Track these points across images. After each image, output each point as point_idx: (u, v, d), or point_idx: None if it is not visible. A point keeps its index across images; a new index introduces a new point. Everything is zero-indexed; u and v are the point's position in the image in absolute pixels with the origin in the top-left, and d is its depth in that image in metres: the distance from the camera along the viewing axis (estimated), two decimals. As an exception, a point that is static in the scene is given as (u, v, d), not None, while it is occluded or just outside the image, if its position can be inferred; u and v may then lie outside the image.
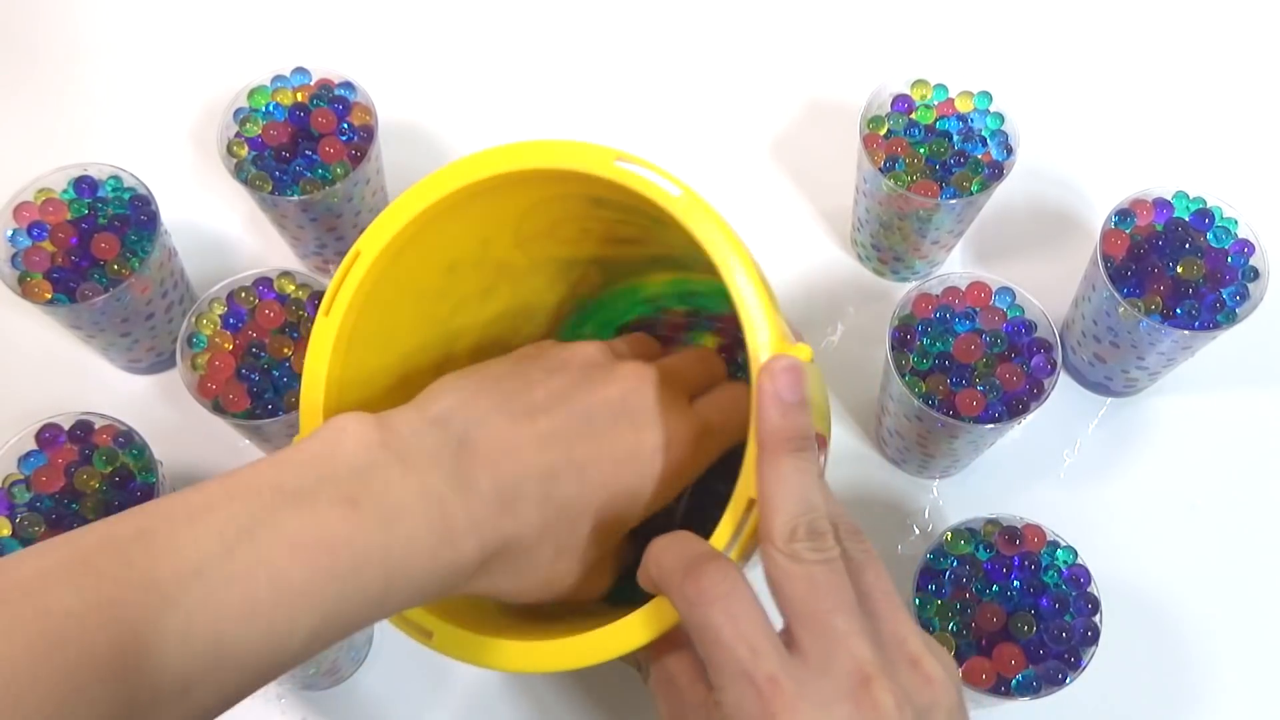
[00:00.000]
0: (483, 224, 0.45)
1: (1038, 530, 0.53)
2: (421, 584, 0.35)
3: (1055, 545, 0.53)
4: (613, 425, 0.40)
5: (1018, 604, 0.51)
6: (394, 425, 0.37)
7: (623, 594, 0.50)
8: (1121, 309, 0.56)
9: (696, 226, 0.39)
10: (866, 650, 0.33)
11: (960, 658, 0.50)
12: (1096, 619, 0.51)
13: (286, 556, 0.32)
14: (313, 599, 0.32)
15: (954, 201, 0.59)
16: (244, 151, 0.61)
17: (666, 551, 0.36)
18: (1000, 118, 0.62)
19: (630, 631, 0.38)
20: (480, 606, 0.44)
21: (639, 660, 0.39)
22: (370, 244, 0.42)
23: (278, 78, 0.64)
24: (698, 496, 0.48)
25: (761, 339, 0.38)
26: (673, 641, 0.38)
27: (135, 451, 0.54)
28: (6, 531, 0.52)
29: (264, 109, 0.62)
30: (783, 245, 0.69)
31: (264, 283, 0.58)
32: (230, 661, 0.31)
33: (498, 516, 0.37)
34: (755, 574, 0.36)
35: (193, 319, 0.56)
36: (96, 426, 0.55)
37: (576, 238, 0.49)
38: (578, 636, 0.38)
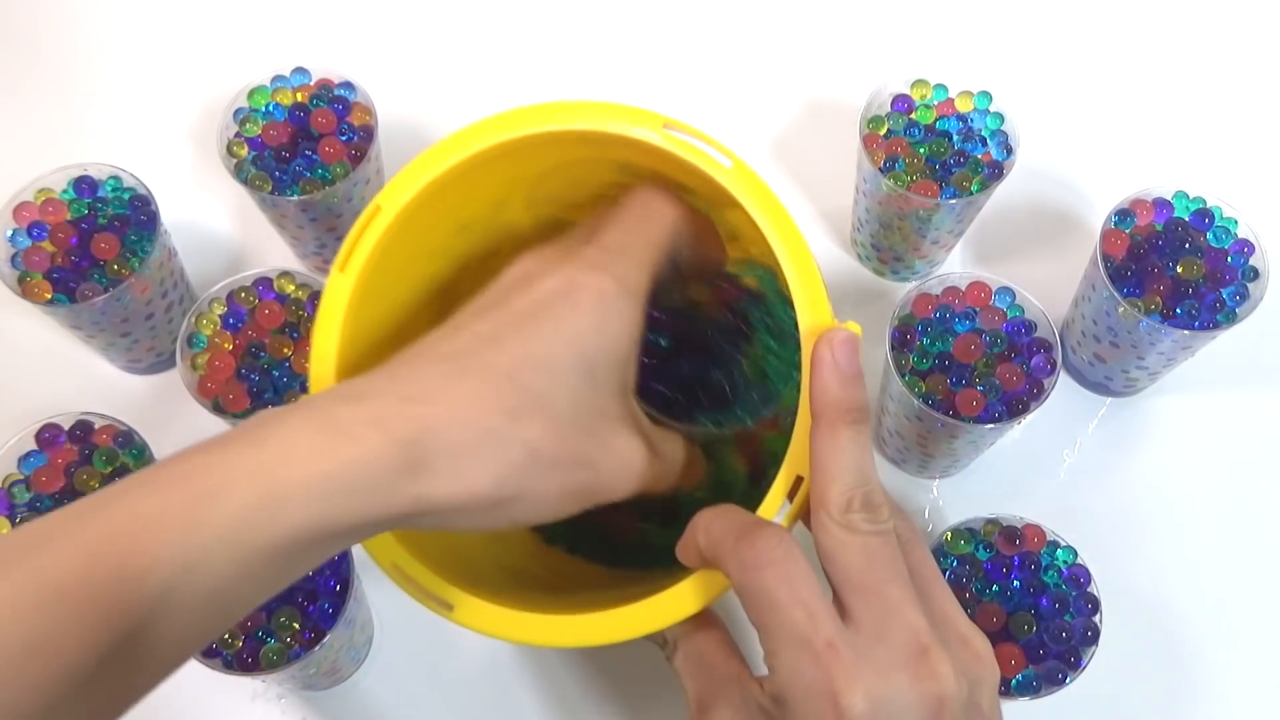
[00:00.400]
0: (502, 184, 0.44)
1: (1038, 530, 0.53)
2: (321, 489, 0.31)
3: (1055, 545, 0.53)
4: (516, 293, 0.38)
5: (1018, 604, 0.51)
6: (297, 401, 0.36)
7: (620, 559, 0.49)
8: (1121, 309, 0.56)
9: (746, 198, 0.39)
10: (922, 621, 0.33)
11: (960, 658, 0.50)
12: (1096, 619, 0.51)
13: (142, 496, 0.30)
14: (168, 527, 0.30)
15: (954, 201, 0.59)
16: (244, 151, 0.61)
17: (716, 520, 0.36)
18: (1000, 118, 0.62)
19: (679, 601, 0.38)
20: (503, 573, 0.43)
21: (665, 638, 0.39)
22: (391, 199, 0.40)
23: (278, 78, 0.64)
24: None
25: (814, 314, 0.38)
26: (702, 621, 0.38)
27: (135, 451, 0.54)
28: (6, 531, 0.52)
29: (264, 109, 0.62)
30: (783, 245, 0.69)
31: (264, 283, 0.58)
32: (85, 606, 0.29)
33: (404, 407, 0.33)
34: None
35: (193, 319, 0.56)
36: (96, 426, 0.55)
37: (587, 204, 0.47)
38: (623, 608, 0.38)
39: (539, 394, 0.35)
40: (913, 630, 0.33)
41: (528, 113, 0.41)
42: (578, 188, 0.46)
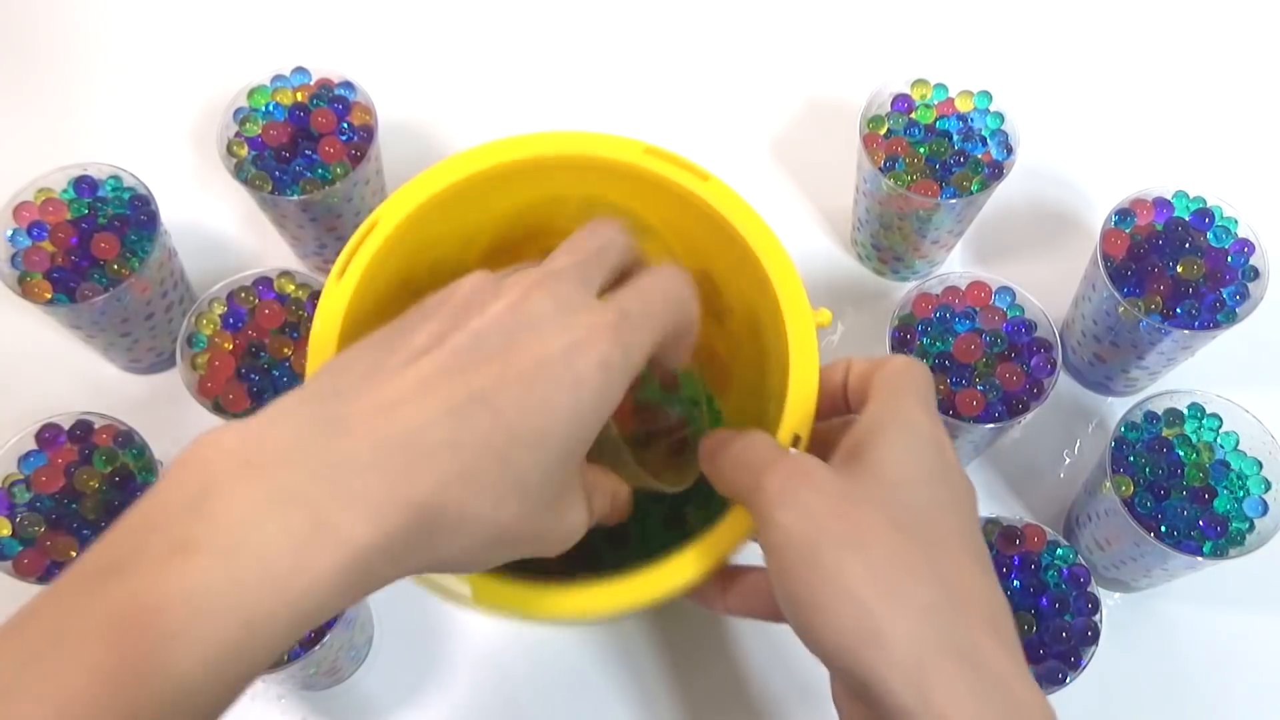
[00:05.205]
0: (477, 218, 0.46)
1: (1038, 530, 0.53)
2: (310, 597, 0.29)
3: (1055, 545, 0.53)
4: (509, 342, 0.34)
5: (1018, 604, 0.51)
6: (251, 426, 0.32)
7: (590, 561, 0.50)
8: (1121, 309, 0.56)
9: (725, 208, 0.43)
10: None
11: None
12: (1096, 619, 0.51)
13: (100, 648, 0.27)
14: (136, 682, 0.27)
15: (954, 201, 0.59)
16: (244, 151, 0.61)
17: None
18: (1000, 117, 0.62)
19: (696, 558, 0.39)
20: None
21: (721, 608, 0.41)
22: (390, 214, 0.43)
23: (278, 77, 0.64)
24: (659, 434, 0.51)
25: (795, 304, 0.43)
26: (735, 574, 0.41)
27: (135, 451, 0.54)
28: (6, 531, 0.52)
29: (264, 109, 0.62)
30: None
31: (264, 283, 0.58)
32: None
33: (392, 486, 0.31)
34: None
35: (193, 319, 0.56)
36: (96, 426, 0.55)
37: (539, 258, 0.50)
38: (635, 576, 0.39)
39: (521, 476, 0.33)
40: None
41: (521, 140, 0.44)
42: (541, 236, 0.49)
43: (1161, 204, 0.59)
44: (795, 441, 0.40)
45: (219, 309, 0.57)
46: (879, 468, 0.36)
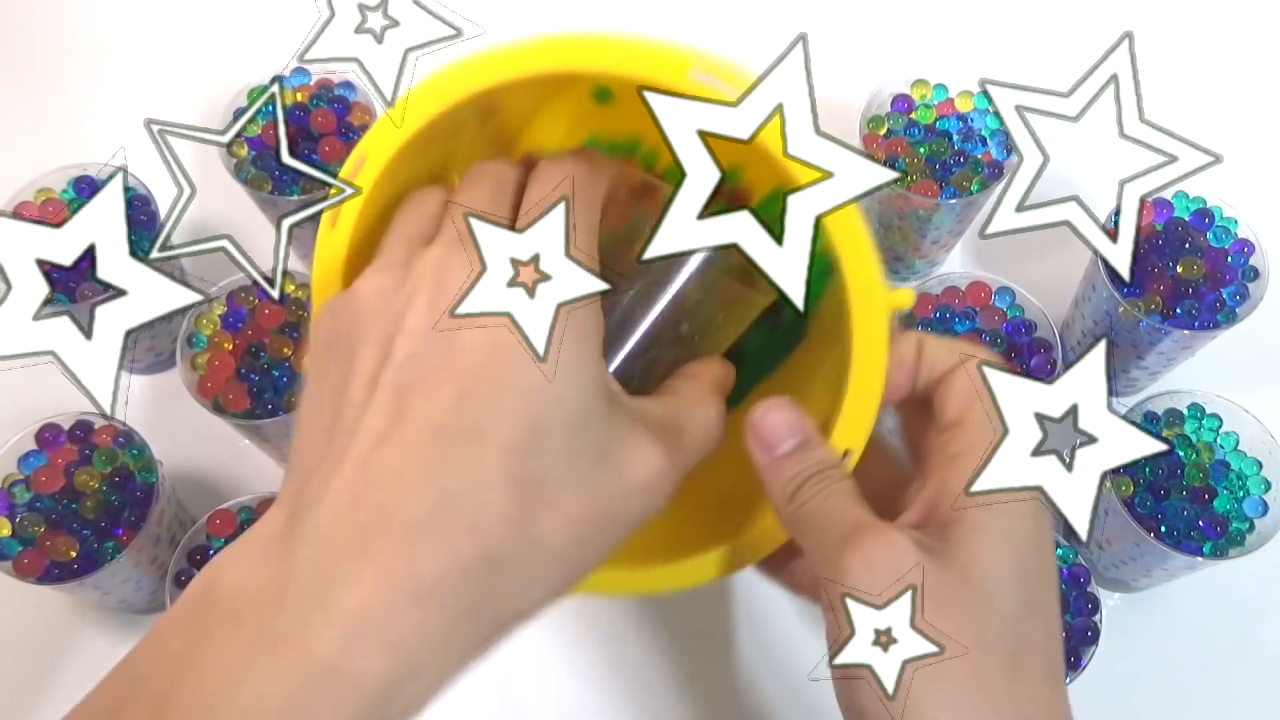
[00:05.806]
0: (473, 123, 0.41)
1: (1038, 530, 0.53)
2: None
3: (1055, 545, 0.53)
4: (446, 348, 0.30)
5: (1018, 604, 0.51)
6: (238, 560, 0.29)
7: None
8: (1121, 309, 0.56)
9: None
10: None
11: (960, 658, 0.50)
12: (1096, 619, 0.51)
13: None
14: None
15: (954, 201, 0.59)
16: (244, 151, 0.61)
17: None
18: (1000, 117, 0.61)
19: (710, 562, 0.38)
20: None
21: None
22: (377, 146, 0.40)
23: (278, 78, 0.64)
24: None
25: (867, 284, 0.36)
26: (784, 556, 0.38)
27: (135, 451, 0.54)
28: (6, 531, 0.52)
29: (264, 109, 0.62)
30: (783, 245, 0.69)
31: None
32: None
33: (392, 581, 0.27)
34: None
35: (193, 319, 0.57)
36: (96, 426, 0.55)
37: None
38: (674, 565, 0.38)
39: (536, 475, 0.29)
40: None
41: (546, 48, 0.39)
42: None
43: (1161, 204, 0.59)
44: (844, 455, 0.36)
45: (219, 309, 0.57)
46: (972, 564, 0.32)
